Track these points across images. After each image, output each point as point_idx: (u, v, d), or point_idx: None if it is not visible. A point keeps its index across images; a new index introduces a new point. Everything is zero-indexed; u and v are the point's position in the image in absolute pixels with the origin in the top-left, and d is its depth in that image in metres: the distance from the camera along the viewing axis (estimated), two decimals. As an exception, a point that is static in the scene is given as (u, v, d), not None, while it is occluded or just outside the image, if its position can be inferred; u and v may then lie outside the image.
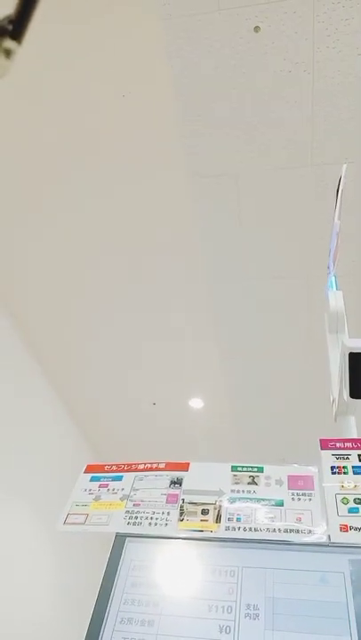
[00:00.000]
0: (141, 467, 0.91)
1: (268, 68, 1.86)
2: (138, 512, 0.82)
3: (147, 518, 0.81)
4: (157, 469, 0.90)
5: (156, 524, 0.80)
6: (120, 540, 0.79)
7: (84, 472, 0.93)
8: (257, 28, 1.76)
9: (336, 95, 1.93)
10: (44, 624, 3.02)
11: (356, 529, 0.75)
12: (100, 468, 0.93)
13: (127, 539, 0.79)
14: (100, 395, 3.93)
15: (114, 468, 0.92)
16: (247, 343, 3.26)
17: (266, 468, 0.88)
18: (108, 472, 0.92)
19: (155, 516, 0.81)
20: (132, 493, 0.86)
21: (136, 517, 0.81)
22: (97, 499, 0.87)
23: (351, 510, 0.78)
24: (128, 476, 0.90)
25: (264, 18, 1.74)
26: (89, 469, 0.94)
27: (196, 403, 4.00)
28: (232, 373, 3.58)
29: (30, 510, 3.02)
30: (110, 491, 0.87)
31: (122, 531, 0.80)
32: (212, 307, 2.99)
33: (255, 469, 0.88)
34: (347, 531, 0.75)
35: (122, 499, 0.85)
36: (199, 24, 1.77)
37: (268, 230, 2.48)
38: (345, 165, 1.55)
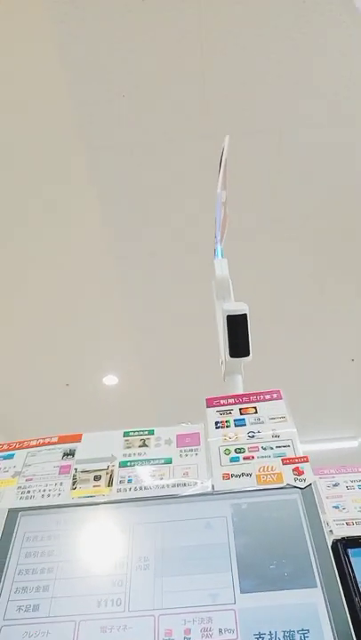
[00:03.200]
0: (34, 443, 0.92)
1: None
2: (30, 486, 0.83)
3: (39, 491, 0.82)
4: (50, 443, 0.91)
5: (49, 496, 0.82)
6: (13, 515, 0.79)
7: (-24, 454, 0.92)
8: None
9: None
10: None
11: (236, 476, 0.81)
12: (-9, 449, 0.92)
13: (20, 513, 0.80)
14: (11, 380, 3.82)
15: (5, 446, 0.92)
16: (157, 316, 3.31)
17: (156, 429, 0.92)
18: None
19: (47, 488, 0.83)
20: (24, 469, 0.87)
21: (28, 492, 0.82)
22: (-11, 479, 0.86)
23: (233, 459, 0.84)
24: (20, 454, 0.90)
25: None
26: (-20, 451, 0.93)
27: (111, 380, 4.01)
28: (144, 347, 3.62)
29: None
30: (2, 470, 0.87)
31: (14, 506, 0.81)
32: (120, 283, 3.00)
33: (146, 432, 0.92)
34: (229, 478, 0.81)
35: (13, 476, 0.86)
36: None
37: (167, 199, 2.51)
38: (227, 137, 1.59)
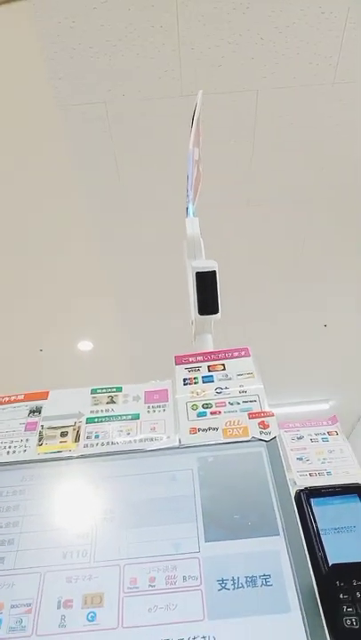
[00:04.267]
0: (-1, 400, 0.91)
1: None
2: (-5, 443, 0.82)
3: (4, 448, 0.81)
4: (16, 401, 0.90)
5: (14, 452, 0.81)
6: (-23, 471, 0.79)
7: None
8: None
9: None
10: None
11: (203, 430, 0.81)
12: None
13: (-16, 469, 0.79)
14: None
15: (-30, 404, 0.90)
16: (132, 279, 3.28)
17: (124, 387, 0.92)
18: (-36, 410, 0.90)
19: (13, 444, 0.82)
20: (-11, 427, 0.86)
21: (-6, 448, 0.82)
22: None
23: (200, 414, 0.84)
24: (-15, 411, 0.89)
25: None
26: None
27: (86, 345, 3.99)
28: (118, 312, 3.60)
29: None
30: (-34, 426, 0.86)
31: (-21, 462, 0.80)
32: (97, 253, 2.95)
33: (114, 389, 0.91)
34: (195, 433, 0.81)
35: (-21, 433, 0.85)
36: None
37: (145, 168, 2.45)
38: (200, 91, 1.55)
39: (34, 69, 2.02)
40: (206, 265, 0.94)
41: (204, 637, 0.60)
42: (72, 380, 4.05)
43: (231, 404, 0.85)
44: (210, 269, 0.93)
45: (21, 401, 0.90)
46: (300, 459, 0.83)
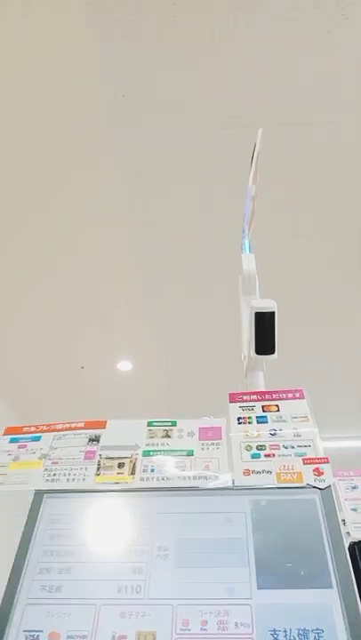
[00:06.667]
0: (60, 427, 0.94)
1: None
2: (56, 469, 0.85)
3: (65, 475, 0.84)
4: (76, 428, 0.93)
5: (73, 480, 0.84)
6: (38, 496, 0.82)
7: (3, 434, 0.94)
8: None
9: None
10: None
11: (257, 472, 0.82)
12: (18, 430, 0.95)
13: (45, 495, 0.82)
14: (28, 362, 3.87)
15: (32, 429, 0.94)
16: (175, 305, 3.31)
17: (179, 421, 0.94)
18: (26, 433, 0.93)
19: (72, 472, 0.85)
20: (50, 452, 0.89)
21: (54, 474, 0.85)
22: (16, 459, 0.89)
23: (254, 456, 0.85)
24: (47, 436, 0.92)
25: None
26: (8, 431, 0.95)
27: (125, 365, 4.04)
28: (160, 336, 3.64)
29: None
30: (29, 450, 0.89)
31: (40, 488, 0.83)
32: (140, 273, 3.01)
33: (169, 424, 0.93)
34: (249, 475, 0.82)
35: (40, 458, 0.88)
36: None
37: (193, 191, 2.50)
38: (261, 130, 1.58)
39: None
40: (266, 305, 0.96)
41: None
42: (111, 399, 4.08)
43: (285, 448, 0.85)
44: (270, 310, 0.95)
45: (81, 428, 0.93)
46: (354, 509, 0.82)
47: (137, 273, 3.03)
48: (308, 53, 1.94)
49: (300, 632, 0.65)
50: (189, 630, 0.66)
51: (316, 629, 0.65)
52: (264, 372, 1.13)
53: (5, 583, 0.72)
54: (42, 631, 0.67)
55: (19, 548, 0.76)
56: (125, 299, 3.25)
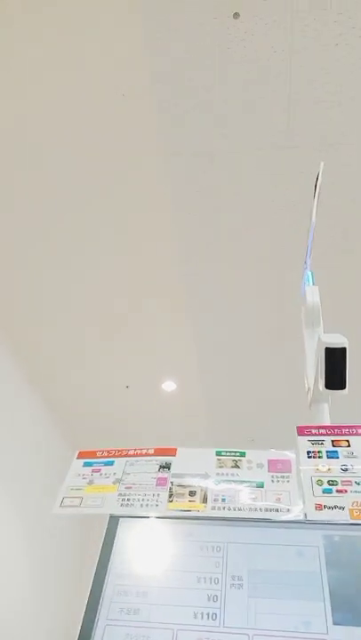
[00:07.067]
0: (132, 452, 0.97)
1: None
2: (130, 494, 0.88)
3: (138, 500, 0.87)
4: (147, 455, 0.96)
5: (147, 505, 0.87)
6: (114, 520, 0.85)
7: (77, 458, 0.98)
8: (236, 15, 1.81)
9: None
10: (26, 605, 3.08)
11: (329, 507, 0.83)
12: (91, 454, 0.99)
13: (120, 519, 0.85)
14: (74, 380, 3.96)
15: (105, 453, 0.98)
16: (219, 328, 3.34)
17: (248, 452, 0.95)
18: (99, 457, 0.97)
19: (145, 497, 0.88)
20: (123, 477, 0.92)
21: (128, 499, 0.88)
22: (90, 482, 0.92)
23: (325, 491, 0.86)
24: (119, 461, 0.95)
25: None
26: (81, 455, 0.99)
27: (169, 386, 4.08)
28: (204, 357, 3.66)
29: (5, 496, 3.05)
30: (103, 475, 0.93)
31: (115, 512, 0.86)
32: (184, 291, 3.05)
33: (238, 454, 0.95)
34: (321, 509, 0.83)
35: (114, 482, 0.91)
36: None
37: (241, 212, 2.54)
38: (322, 163, 1.61)
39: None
40: (338, 341, 0.97)
41: None
42: (154, 419, 4.11)
43: (358, 484, 0.85)
44: (341, 346, 0.96)
45: (152, 455, 0.96)
46: None
47: (181, 294, 3.07)
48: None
49: (380, 673, 0.65)
50: (267, 662, 0.67)
51: None
52: (329, 405, 1.14)
53: (85, 604, 0.76)
54: (123, 652, 0.69)
55: (97, 570, 0.79)
56: (175, 322, 3.30)
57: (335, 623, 0.70)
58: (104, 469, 0.94)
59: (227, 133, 2.19)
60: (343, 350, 0.96)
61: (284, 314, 3.00)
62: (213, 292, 3.04)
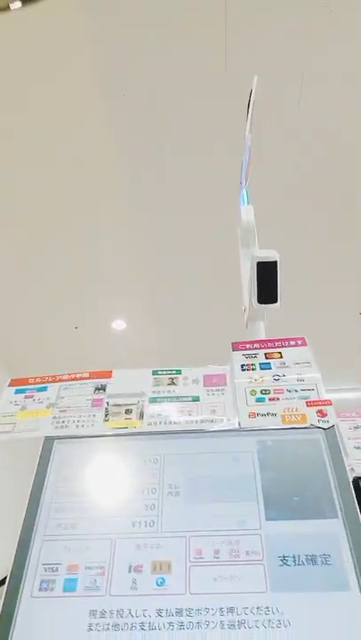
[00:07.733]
0: (66, 377, 0.95)
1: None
2: (65, 417, 0.87)
3: (73, 422, 0.86)
4: (82, 378, 0.95)
5: (83, 426, 0.86)
6: (49, 442, 0.84)
7: (8, 386, 0.96)
8: None
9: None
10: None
11: (262, 415, 0.85)
12: (24, 382, 0.96)
13: (55, 441, 0.84)
14: (23, 321, 3.87)
15: (38, 380, 0.95)
16: (167, 264, 3.31)
17: (184, 369, 0.95)
18: (32, 384, 0.95)
19: (81, 419, 0.87)
20: (57, 401, 0.90)
21: (63, 422, 0.86)
22: (23, 408, 0.90)
23: (258, 400, 0.87)
24: (53, 387, 0.93)
25: None
26: (13, 383, 0.96)
27: (119, 325, 4.05)
28: (153, 294, 3.64)
29: None
30: (36, 400, 0.91)
31: (50, 434, 0.85)
32: (132, 230, 2.98)
33: (174, 372, 0.95)
34: (254, 417, 0.85)
35: (48, 407, 0.89)
36: None
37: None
38: (256, 77, 1.54)
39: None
40: (268, 255, 0.96)
41: (267, 608, 0.64)
42: (105, 359, 4.10)
43: (289, 392, 0.87)
44: (272, 259, 0.96)
45: (87, 378, 0.94)
46: (357, 447, 0.85)
47: (134, 231, 3.00)
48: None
49: (308, 557, 0.68)
50: (202, 558, 0.69)
51: (324, 554, 0.68)
52: (265, 323, 1.15)
53: (21, 525, 0.75)
54: (61, 564, 0.70)
55: (32, 490, 0.78)
56: (122, 258, 3.23)
57: (268, 519, 0.73)
58: (37, 395, 0.92)
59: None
60: (274, 264, 0.96)
61: (230, 250, 2.98)
62: (161, 226, 2.98)
